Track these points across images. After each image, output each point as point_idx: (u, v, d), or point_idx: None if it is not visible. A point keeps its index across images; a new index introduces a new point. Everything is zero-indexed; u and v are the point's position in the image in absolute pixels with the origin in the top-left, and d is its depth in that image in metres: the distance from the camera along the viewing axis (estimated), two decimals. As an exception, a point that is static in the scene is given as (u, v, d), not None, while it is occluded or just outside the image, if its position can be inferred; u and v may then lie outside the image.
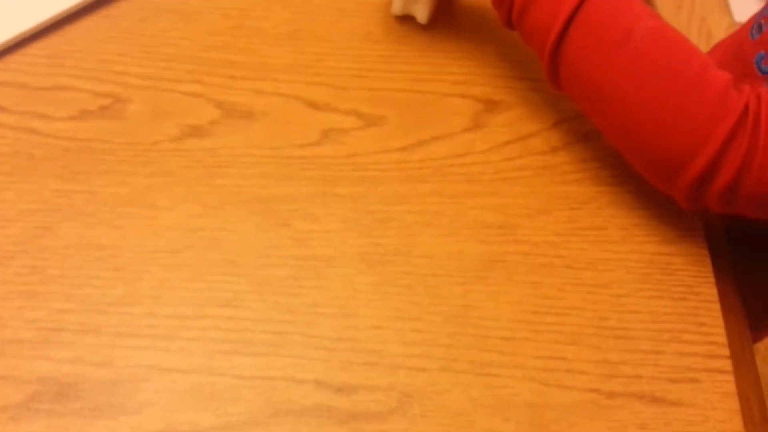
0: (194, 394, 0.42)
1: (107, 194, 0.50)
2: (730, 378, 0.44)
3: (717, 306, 0.46)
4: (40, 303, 0.45)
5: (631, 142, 0.45)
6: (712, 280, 0.47)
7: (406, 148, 0.53)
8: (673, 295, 0.46)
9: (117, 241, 0.47)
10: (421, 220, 0.49)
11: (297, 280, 0.46)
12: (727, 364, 0.44)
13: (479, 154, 0.53)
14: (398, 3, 0.58)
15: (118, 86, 0.55)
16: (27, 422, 0.41)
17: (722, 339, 0.45)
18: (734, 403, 0.43)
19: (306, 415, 0.41)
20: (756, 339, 0.70)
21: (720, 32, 1.78)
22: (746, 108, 0.41)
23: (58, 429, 0.41)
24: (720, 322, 0.45)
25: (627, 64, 0.44)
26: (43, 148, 0.52)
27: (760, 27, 0.52)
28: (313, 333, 0.44)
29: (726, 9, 1.86)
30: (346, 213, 0.49)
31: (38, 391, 0.42)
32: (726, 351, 0.44)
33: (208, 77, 0.56)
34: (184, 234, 0.48)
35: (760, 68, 0.51)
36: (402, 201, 0.50)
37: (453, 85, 0.56)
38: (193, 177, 0.51)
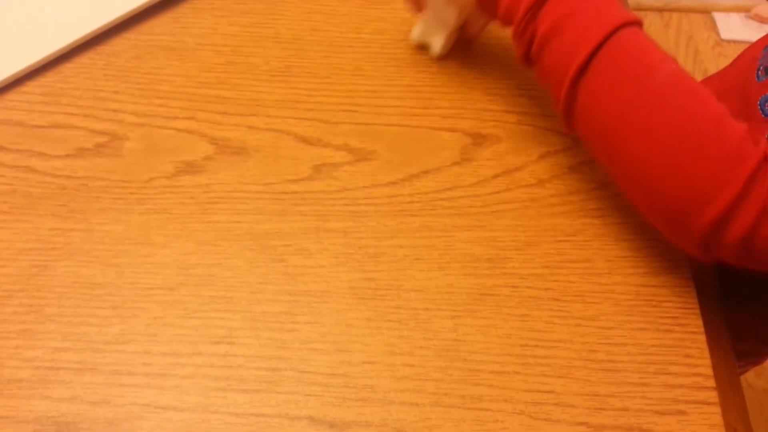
0: (189, 432, 0.42)
1: (103, 232, 0.50)
2: (717, 410, 0.44)
3: (702, 337, 0.47)
4: (38, 342, 0.45)
5: (644, 186, 0.44)
6: (698, 311, 0.48)
7: (396, 182, 0.54)
8: (660, 327, 0.47)
9: (113, 280, 0.48)
10: (411, 255, 0.50)
11: (291, 316, 0.47)
12: (713, 396, 0.45)
13: (467, 187, 0.54)
14: (418, 29, 0.60)
15: (114, 124, 0.57)
16: (25, 462, 0.41)
17: (708, 371, 0.46)
18: (720, 434, 0.44)
19: (300, 452, 0.42)
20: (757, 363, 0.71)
21: (707, 50, 1.80)
22: (765, 157, 0.41)
23: (56, 469, 0.41)
24: (706, 353, 0.46)
25: (646, 103, 0.43)
26: (40, 186, 0.53)
27: (766, 69, 0.53)
28: (306, 369, 0.45)
29: (713, 27, 1.89)
30: (339, 248, 0.50)
31: (37, 431, 0.42)
32: (712, 382, 0.45)
33: (202, 113, 0.57)
34: (178, 271, 0.49)
35: (763, 111, 0.52)
36: (392, 235, 0.51)
37: (442, 119, 0.57)
38: (187, 213, 0.52)
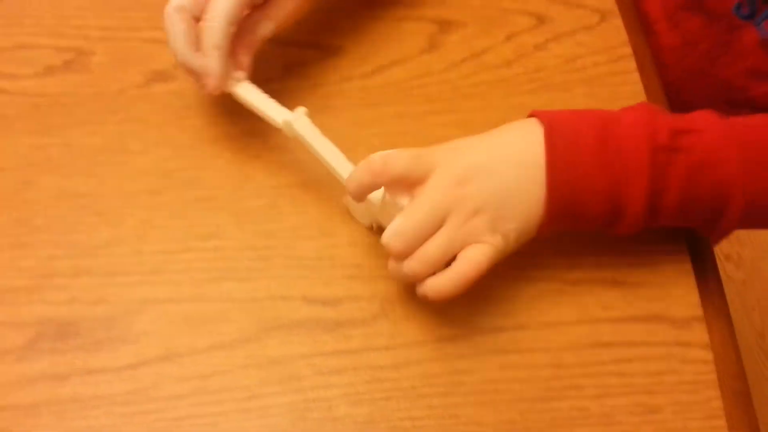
0: (187, 320, 0.44)
1: (81, 145, 0.51)
2: (686, 258, 0.47)
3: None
4: (30, 252, 0.47)
5: None
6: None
7: (367, 74, 0.54)
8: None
9: (96, 189, 0.49)
10: (387, 141, 0.51)
11: (275, 208, 0.48)
12: (683, 246, 0.47)
13: (437, 74, 0.55)
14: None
15: (79, 40, 0.56)
16: (32, 361, 0.43)
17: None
18: (691, 280, 0.46)
19: (296, 328, 0.44)
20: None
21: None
22: None
23: (63, 365, 0.43)
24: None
25: None
26: (13, 106, 0.53)
27: None
28: (294, 254, 0.47)
29: None
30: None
31: (39, 333, 0.44)
32: (682, 233, 0.48)
33: (167, 23, 0.57)
34: (160, 176, 0.50)
35: (739, 15, 0.53)
36: (367, 125, 0.52)
37: (405, 9, 0.58)
38: (163, 121, 0.52)
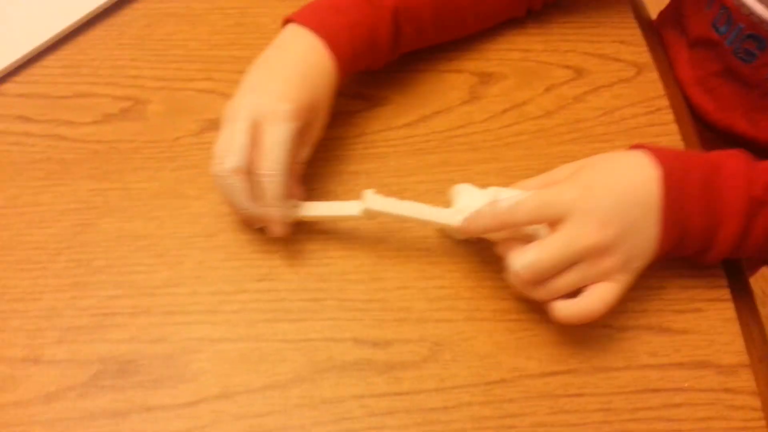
0: (243, 359, 0.46)
1: (139, 189, 0.53)
2: (730, 305, 0.48)
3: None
4: (91, 292, 0.48)
5: None
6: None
7: (411, 123, 0.57)
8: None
9: (155, 231, 0.51)
10: (432, 188, 0.53)
11: (325, 252, 0.50)
12: (726, 293, 0.48)
13: (479, 123, 0.57)
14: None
15: (135, 89, 0.59)
16: (93, 398, 0.44)
17: (719, 271, 0.49)
18: (735, 327, 0.47)
19: (348, 369, 0.45)
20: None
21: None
22: None
23: (123, 402, 0.44)
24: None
25: None
26: (72, 152, 0.55)
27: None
28: (345, 297, 0.48)
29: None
30: (363, 187, 0.53)
31: (100, 370, 0.45)
32: (724, 281, 0.49)
33: (218, 74, 0.60)
34: (215, 219, 0.51)
35: (718, 30, 0.55)
36: (412, 173, 0.54)
37: (447, 62, 0.60)
38: (217, 167, 0.54)
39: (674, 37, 0.63)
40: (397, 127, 0.57)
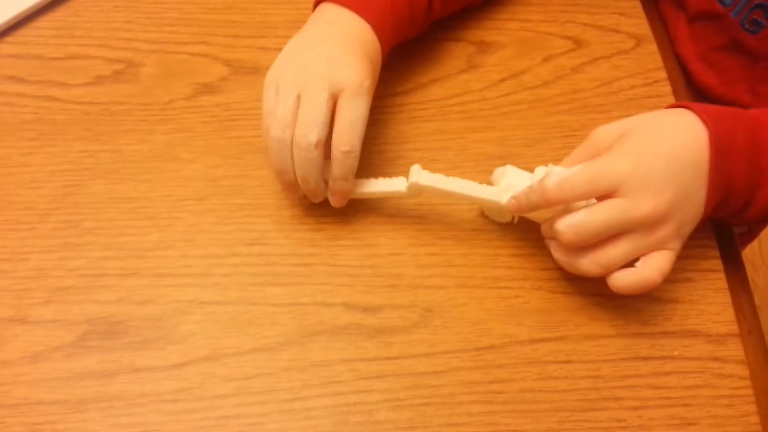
0: (233, 322, 0.45)
1: (131, 151, 0.53)
2: (722, 276, 0.48)
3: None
4: (80, 253, 0.48)
5: None
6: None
7: (408, 91, 0.56)
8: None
9: (146, 194, 0.51)
10: (427, 156, 0.53)
11: (318, 217, 0.50)
12: (717, 264, 0.48)
13: (476, 92, 0.56)
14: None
15: (129, 52, 0.58)
16: (81, 359, 0.44)
17: (712, 242, 0.49)
18: (726, 298, 0.47)
19: (338, 333, 0.45)
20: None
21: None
22: None
23: (111, 362, 0.44)
24: (708, 225, 0.49)
25: None
26: (64, 113, 0.55)
27: None
28: (337, 263, 0.48)
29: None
30: (357, 154, 0.53)
31: (88, 331, 0.45)
32: (716, 252, 0.48)
33: (213, 38, 0.59)
34: (207, 183, 0.51)
35: (723, 2, 0.54)
36: (408, 140, 0.54)
37: (446, 30, 0.59)
38: (210, 131, 0.54)
39: (673, 13, 0.62)
40: (393, 95, 0.56)
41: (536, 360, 0.44)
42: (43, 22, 0.60)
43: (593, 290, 0.47)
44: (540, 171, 0.46)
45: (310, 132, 0.44)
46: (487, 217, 0.50)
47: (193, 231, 0.49)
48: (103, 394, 0.43)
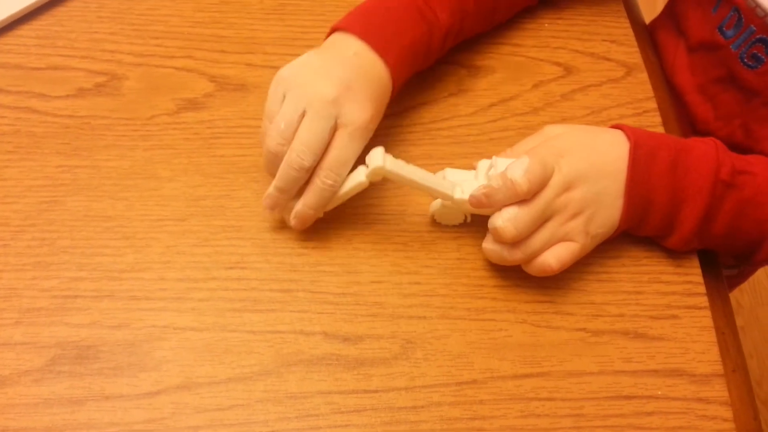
0: (209, 349, 0.44)
1: (110, 168, 0.51)
2: (707, 313, 0.47)
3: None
4: (53, 273, 0.47)
5: None
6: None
7: (395, 113, 0.55)
8: (652, 240, 0.49)
9: (123, 212, 0.49)
10: (413, 181, 0.52)
11: (299, 242, 0.49)
12: (703, 301, 0.48)
13: (464, 117, 0.55)
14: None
15: (112, 64, 0.57)
16: (49, 384, 0.43)
17: (698, 278, 0.48)
18: (711, 336, 0.46)
19: (316, 364, 0.44)
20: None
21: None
22: None
23: (81, 389, 0.43)
24: (696, 262, 0.49)
25: None
26: (43, 126, 0.53)
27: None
28: (317, 289, 0.47)
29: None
30: (342, 177, 0.52)
31: (58, 355, 0.44)
32: (702, 289, 0.48)
33: (200, 52, 0.58)
34: (187, 203, 0.50)
35: (724, 34, 0.54)
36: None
37: (436, 52, 0.59)
38: (192, 148, 0.53)
39: (672, 41, 0.62)
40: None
41: (518, 396, 0.44)
42: (25, 30, 0.59)
43: (577, 325, 0.46)
44: (484, 164, 0.47)
45: (306, 157, 0.44)
46: (445, 225, 0.50)
47: (171, 252, 0.48)
48: (71, 422, 0.42)
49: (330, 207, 0.48)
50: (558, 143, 0.46)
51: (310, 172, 0.45)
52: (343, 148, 0.45)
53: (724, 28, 0.54)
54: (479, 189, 0.44)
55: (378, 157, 0.45)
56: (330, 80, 0.46)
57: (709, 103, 0.58)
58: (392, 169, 0.44)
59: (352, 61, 0.48)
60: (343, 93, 0.45)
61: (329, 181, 0.45)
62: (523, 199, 0.43)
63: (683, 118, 0.60)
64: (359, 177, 0.46)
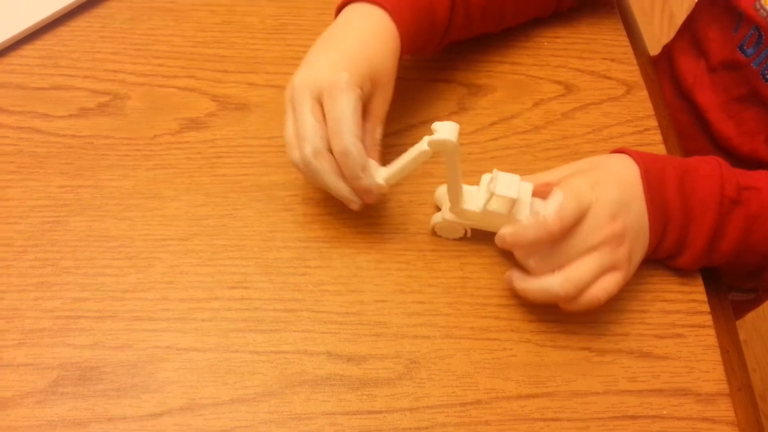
0: (212, 370, 0.44)
1: (113, 188, 0.51)
2: (711, 332, 0.47)
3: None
4: (56, 293, 0.46)
5: None
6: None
7: (397, 132, 0.55)
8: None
9: (126, 232, 0.49)
10: (416, 200, 0.52)
11: (302, 261, 0.49)
12: (707, 320, 0.47)
13: (466, 135, 0.55)
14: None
15: (115, 84, 0.57)
16: (52, 406, 0.42)
17: (702, 296, 0.48)
18: (716, 355, 0.46)
19: (320, 384, 0.44)
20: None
21: (681, 13, 1.83)
22: None
23: (84, 410, 0.42)
24: (700, 281, 0.49)
25: None
26: (45, 146, 0.53)
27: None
28: (321, 309, 0.47)
29: (686, -8, 1.91)
30: (344, 196, 0.52)
31: (61, 376, 0.43)
32: (706, 307, 0.48)
33: (202, 72, 0.58)
34: (190, 222, 0.50)
35: (744, 53, 0.55)
36: (396, 182, 0.53)
37: (437, 71, 0.59)
38: (195, 168, 0.53)
39: (692, 61, 0.62)
40: (383, 135, 0.55)
41: (523, 417, 0.43)
42: (28, 50, 0.59)
43: (582, 344, 0.46)
44: (485, 178, 0.47)
45: (304, 147, 0.44)
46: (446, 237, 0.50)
47: (174, 272, 0.48)
48: (74, 445, 0.41)
49: (394, 180, 0.46)
50: (584, 179, 0.45)
51: (325, 156, 0.44)
52: (329, 111, 0.44)
53: (744, 47, 0.55)
54: (501, 234, 0.44)
55: (446, 130, 0.42)
56: (299, 70, 0.47)
57: (731, 120, 0.58)
58: (452, 150, 0.43)
59: (329, 31, 0.49)
60: (307, 71, 0.46)
61: (338, 149, 0.44)
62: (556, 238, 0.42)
63: (705, 134, 0.60)
64: (422, 145, 0.44)
